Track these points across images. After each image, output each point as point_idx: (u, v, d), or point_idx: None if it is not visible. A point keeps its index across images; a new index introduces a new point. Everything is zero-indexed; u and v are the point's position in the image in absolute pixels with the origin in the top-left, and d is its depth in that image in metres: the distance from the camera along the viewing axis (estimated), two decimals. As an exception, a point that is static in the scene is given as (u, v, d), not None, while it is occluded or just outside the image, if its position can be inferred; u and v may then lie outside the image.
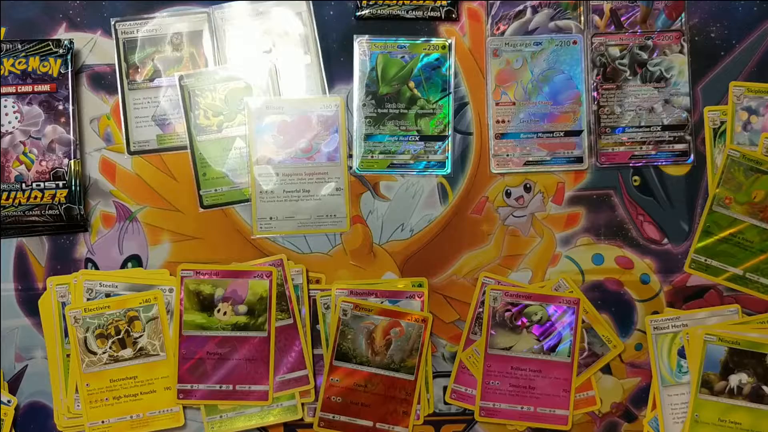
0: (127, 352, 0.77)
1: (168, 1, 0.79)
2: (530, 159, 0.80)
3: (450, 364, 0.80)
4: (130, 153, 0.79)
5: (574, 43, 0.80)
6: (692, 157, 0.80)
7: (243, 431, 0.78)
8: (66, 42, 0.77)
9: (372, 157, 0.80)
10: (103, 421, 0.78)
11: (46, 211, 0.76)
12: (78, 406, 0.78)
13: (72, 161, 0.77)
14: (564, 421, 0.79)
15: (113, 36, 0.79)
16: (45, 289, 0.78)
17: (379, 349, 0.78)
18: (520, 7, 0.80)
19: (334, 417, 0.78)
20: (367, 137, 0.80)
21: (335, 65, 0.80)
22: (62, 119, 0.77)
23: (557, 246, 0.80)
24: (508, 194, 0.80)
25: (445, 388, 0.80)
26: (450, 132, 0.80)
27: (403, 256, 0.80)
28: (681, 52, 0.80)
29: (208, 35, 0.79)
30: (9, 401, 0.78)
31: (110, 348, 0.77)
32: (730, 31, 0.81)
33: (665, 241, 0.80)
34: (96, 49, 0.79)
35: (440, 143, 0.80)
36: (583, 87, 0.80)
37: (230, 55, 0.80)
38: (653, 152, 0.80)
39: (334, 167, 0.80)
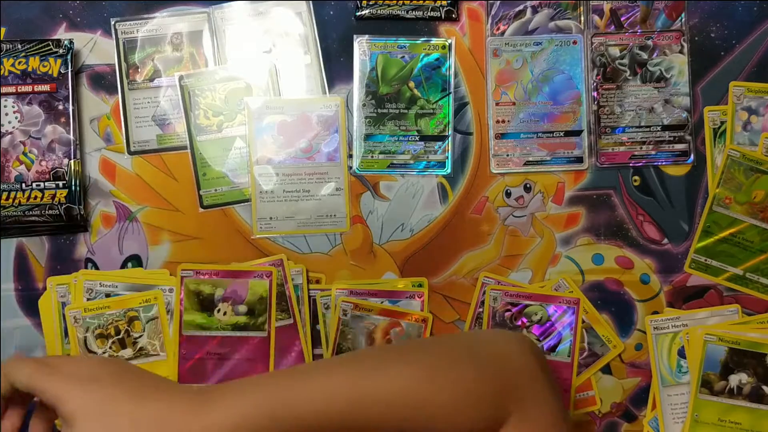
0: (127, 352, 0.77)
1: (168, 1, 0.79)
2: (530, 159, 0.80)
3: (450, 364, 0.80)
4: (130, 153, 0.79)
5: (574, 43, 0.80)
6: (692, 157, 0.80)
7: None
8: (66, 42, 0.77)
9: (372, 157, 0.80)
10: (103, 421, 0.78)
11: (46, 211, 0.76)
12: (78, 406, 0.78)
13: (72, 161, 0.77)
14: (564, 421, 0.79)
15: (113, 36, 0.79)
16: (45, 289, 0.78)
17: (379, 349, 0.78)
18: (520, 7, 0.80)
19: (334, 417, 0.78)
20: (367, 137, 0.80)
21: (335, 65, 0.80)
22: (62, 119, 0.77)
23: (557, 246, 0.80)
24: (508, 194, 0.80)
25: (445, 388, 0.80)
26: (450, 132, 0.80)
27: (403, 256, 0.80)
28: (681, 52, 0.80)
29: (208, 35, 0.79)
30: (9, 401, 0.78)
31: (110, 348, 0.77)
32: (730, 31, 0.81)
33: (665, 241, 0.80)
34: (96, 49, 0.79)
35: (440, 143, 0.80)
36: (583, 87, 0.80)
37: (230, 55, 0.80)
38: (653, 152, 0.80)
39: (334, 167, 0.80)
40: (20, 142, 0.77)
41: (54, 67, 0.77)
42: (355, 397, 0.50)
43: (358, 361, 0.54)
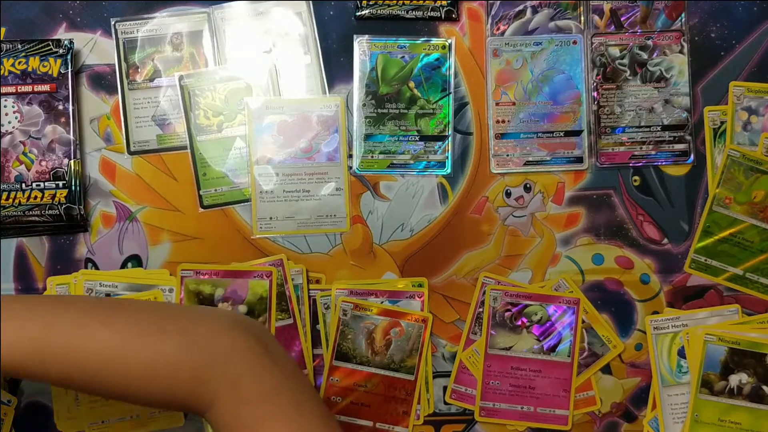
0: (127, 352, 0.77)
1: (168, 1, 0.79)
2: (530, 159, 0.80)
3: (450, 364, 0.80)
4: (130, 153, 0.79)
5: (574, 43, 0.80)
6: (692, 157, 0.80)
7: (243, 431, 0.78)
8: (66, 42, 0.77)
9: (372, 157, 0.80)
10: (103, 421, 0.78)
11: (46, 211, 0.76)
12: (78, 406, 0.78)
13: (72, 161, 0.77)
14: (564, 421, 0.79)
15: (113, 36, 0.79)
16: (45, 289, 0.78)
17: (379, 349, 0.78)
18: (520, 7, 0.80)
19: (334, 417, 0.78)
20: (367, 137, 0.80)
21: (335, 65, 0.80)
22: (62, 119, 0.77)
23: (557, 246, 0.80)
24: (508, 194, 0.80)
25: (445, 388, 0.80)
26: (450, 132, 0.80)
27: (403, 256, 0.80)
28: (681, 52, 0.80)
29: (208, 35, 0.79)
30: (9, 401, 0.78)
31: (110, 348, 0.77)
32: (730, 31, 0.81)
33: (665, 241, 0.80)
34: (96, 49, 0.79)
35: (440, 143, 0.80)
36: (583, 87, 0.80)
37: (230, 55, 0.80)
38: (653, 152, 0.80)
39: (334, 167, 0.80)
40: (20, 142, 0.77)
41: (54, 67, 0.77)
42: (48, 347, 0.51)
43: (76, 312, 0.54)
